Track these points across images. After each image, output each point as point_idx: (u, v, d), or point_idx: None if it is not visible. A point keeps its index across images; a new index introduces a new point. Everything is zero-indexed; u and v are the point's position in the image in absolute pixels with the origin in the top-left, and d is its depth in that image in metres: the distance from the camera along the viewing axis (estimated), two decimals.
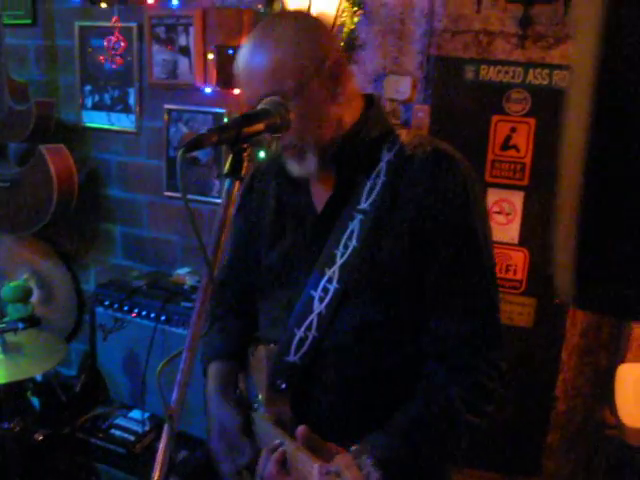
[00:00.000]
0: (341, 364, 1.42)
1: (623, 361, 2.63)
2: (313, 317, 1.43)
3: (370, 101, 1.50)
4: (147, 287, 3.05)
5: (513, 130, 2.69)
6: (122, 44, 3.06)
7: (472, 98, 2.70)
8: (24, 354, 2.68)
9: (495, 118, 2.67)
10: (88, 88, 3.32)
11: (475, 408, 1.35)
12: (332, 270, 1.42)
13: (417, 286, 1.38)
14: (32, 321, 2.27)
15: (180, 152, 1.15)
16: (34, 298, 3.49)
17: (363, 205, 1.41)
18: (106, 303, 3.00)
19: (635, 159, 0.62)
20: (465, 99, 2.70)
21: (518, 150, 2.68)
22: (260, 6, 2.75)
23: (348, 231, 1.42)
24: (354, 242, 1.41)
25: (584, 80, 0.62)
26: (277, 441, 1.32)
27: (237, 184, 1.25)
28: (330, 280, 1.42)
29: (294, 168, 1.45)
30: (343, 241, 1.42)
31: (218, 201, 3.04)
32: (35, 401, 3.10)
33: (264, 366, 1.47)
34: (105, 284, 3.13)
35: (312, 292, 1.43)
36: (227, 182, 1.24)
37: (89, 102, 3.34)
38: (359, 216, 1.41)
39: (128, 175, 3.36)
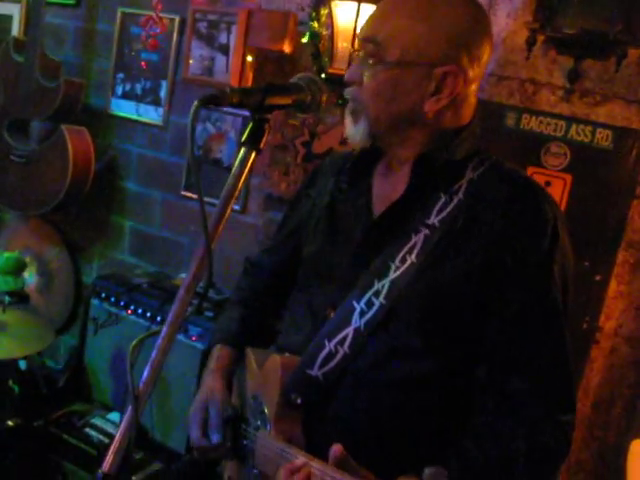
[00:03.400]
0: (368, 390, 1.24)
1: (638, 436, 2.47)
2: (349, 331, 1.25)
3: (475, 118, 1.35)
4: (148, 286, 2.92)
5: (548, 184, 2.57)
6: (159, 29, 2.98)
7: (510, 146, 2.59)
8: (9, 334, 2.57)
9: (530, 170, 2.55)
10: (120, 76, 3.24)
11: (536, 471, 1.17)
12: (382, 283, 1.25)
13: (475, 323, 1.21)
14: (20, 296, 2.14)
15: (196, 103, 1.04)
16: (32, 284, 3.39)
17: (432, 220, 1.25)
18: (102, 295, 2.87)
19: None
20: (503, 146, 2.60)
21: None
22: (306, 11, 2.66)
23: (409, 244, 1.24)
24: (413, 258, 1.23)
25: None
26: (299, 460, 1.13)
27: (253, 155, 1.13)
28: (377, 294, 1.25)
29: (347, 127, 1.32)
30: (401, 254, 1.25)
31: (237, 207, 2.93)
32: (16, 390, 2.96)
33: (278, 377, 1.29)
34: (105, 276, 3.02)
35: (354, 303, 1.26)
36: (243, 151, 1.13)
37: (119, 90, 3.26)
38: (425, 230, 1.24)
39: (147, 169, 3.26)
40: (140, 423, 2.68)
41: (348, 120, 1.32)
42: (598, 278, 2.44)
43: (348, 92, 1.32)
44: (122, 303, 2.83)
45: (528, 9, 2.44)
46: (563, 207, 2.50)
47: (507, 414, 1.18)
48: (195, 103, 1.04)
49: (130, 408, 0.95)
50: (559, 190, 2.53)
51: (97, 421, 2.79)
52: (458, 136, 1.29)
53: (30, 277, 3.38)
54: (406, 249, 1.25)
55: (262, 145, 1.14)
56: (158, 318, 2.72)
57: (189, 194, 3.09)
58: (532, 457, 1.15)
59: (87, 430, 2.74)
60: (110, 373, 2.88)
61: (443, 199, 1.26)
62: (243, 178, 1.12)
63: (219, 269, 2.45)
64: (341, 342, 1.25)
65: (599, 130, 2.43)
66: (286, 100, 1.19)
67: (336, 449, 1.06)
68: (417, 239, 1.24)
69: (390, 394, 1.23)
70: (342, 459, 1.06)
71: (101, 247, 3.45)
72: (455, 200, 1.25)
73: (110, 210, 3.39)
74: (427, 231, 1.24)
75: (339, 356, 1.25)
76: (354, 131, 1.30)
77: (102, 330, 2.88)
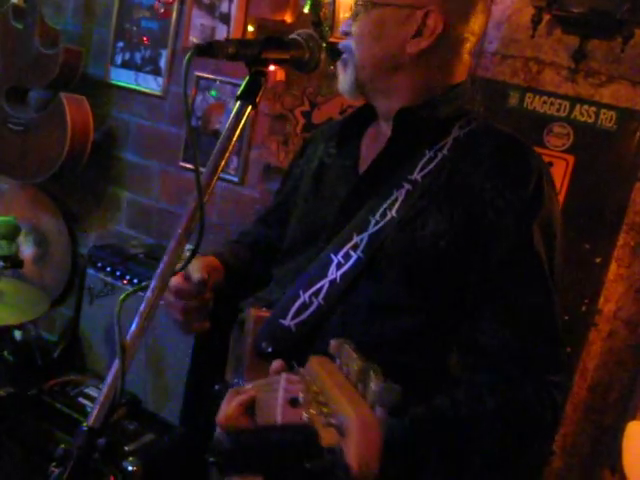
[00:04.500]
0: None
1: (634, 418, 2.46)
2: (325, 283, 1.24)
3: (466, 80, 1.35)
4: (144, 256, 2.90)
5: (550, 165, 2.55)
6: None
7: (513, 125, 2.55)
8: (4, 302, 2.55)
9: None
10: (120, 45, 3.20)
11: (510, 429, 1.13)
12: (360, 237, 1.23)
13: (456, 279, 1.18)
14: (14, 262, 2.12)
15: (189, 53, 1.01)
16: (29, 254, 3.37)
17: (415, 175, 1.23)
18: (99, 265, 2.84)
19: None
20: (505, 125, 2.57)
21: None
22: None
23: (390, 199, 1.23)
24: (394, 212, 1.22)
25: None
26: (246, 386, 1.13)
27: (248, 110, 1.11)
28: (355, 247, 1.23)
29: (339, 78, 1.33)
30: (382, 209, 1.24)
31: (235, 179, 2.90)
32: (10, 360, 2.95)
33: (251, 329, 1.28)
34: (101, 246, 3.00)
35: (332, 255, 1.25)
36: (238, 105, 1.11)
37: (119, 59, 3.21)
38: (407, 186, 1.23)
39: (146, 139, 3.23)
40: (134, 393, 2.66)
41: (339, 70, 1.33)
42: (598, 260, 2.42)
43: (341, 44, 1.32)
44: (118, 273, 2.80)
45: None
46: (565, 188, 2.48)
47: (486, 371, 1.15)
48: (189, 53, 1.01)
49: (116, 361, 0.93)
50: (561, 171, 2.51)
51: (91, 391, 2.77)
52: (445, 94, 1.29)
53: (27, 247, 3.37)
54: (387, 204, 1.24)
55: (258, 99, 1.12)
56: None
57: (187, 165, 3.05)
58: (504, 414, 1.12)
59: (81, 399, 2.72)
60: (105, 344, 2.86)
61: (427, 155, 1.25)
62: (238, 132, 1.10)
63: (218, 241, 2.44)
64: (316, 293, 1.24)
65: (603, 111, 2.40)
66: (284, 55, 1.18)
67: (276, 364, 1.07)
68: (399, 194, 1.23)
69: (368, 351, 1.22)
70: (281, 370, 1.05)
71: (98, 218, 3.42)
72: (439, 156, 1.24)
73: (108, 181, 3.35)
74: (409, 186, 1.23)
75: (313, 307, 1.24)
76: (342, 80, 1.32)
77: (98, 300, 2.86)
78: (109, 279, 2.82)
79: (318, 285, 1.24)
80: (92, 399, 2.72)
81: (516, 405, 1.13)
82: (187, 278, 1.32)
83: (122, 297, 0.97)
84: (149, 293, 0.98)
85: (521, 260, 1.17)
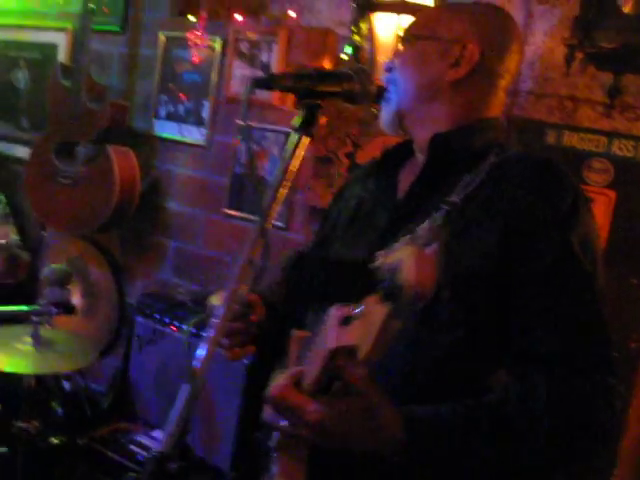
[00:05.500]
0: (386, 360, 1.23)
1: None
2: None
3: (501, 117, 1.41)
4: (191, 303, 2.93)
5: (590, 200, 2.53)
6: (203, 45, 3.03)
7: None
8: (55, 350, 2.58)
9: None
10: (164, 98, 3.30)
11: (568, 432, 1.10)
12: None
13: (500, 292, 1.18)
14: (66, 307, 2.16)
15: (249, 84, 1.05)
16: (76, 304, 3.41)
17: (453, 197, 1.24)
18: (147, 312, 2.88)
19: None
20: None
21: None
22: (345, 25, 2.69)
23: (429, 221, 1.24)
24: None
25: None
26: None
27: (306, 142, 1.14)
28: None
29: (381, 113, 1.39)
30: None
31: (280, 224, 2.93)
32: (59, 412, 2.97)
33: (292, 351, 1.27)
34: (149, 294, 3.04)
35: None
36: (294, 136, 1.13)
37: (162, 112, 3.31)
38: (446, 207, 1.24)
39: (190, 188, 3.29)
40: (184, 440, 2.65)
41: (382, 106, 1.38)
42: None
43: (385, 77, 1.39)
44: (166, 320, 2.83)
45: (565, 25, 2.44)
46: (608, 224, 2.45)
47: (536, 373, 1.13)
48: (249, 84, 1.04)
49: (186, 387, 0.94)
50: (603, 207, 2.48)
51: (142, 438, 2.77)
52: (479, 124, 1.34)
53: (75, 298, 3.41)
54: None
55: (314, 131, 1.15)
56: (203, 334, 2.71)
57: (232, 212, 3.10)
58: (556, 410, 1.10)
59: (131, 447, 2.72)
60: (154, 390, 2.87)
61: (465, 179, 1.26)
62: (296, 162, 1.12)
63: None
64: None
65: None
66: (336, 88, 1.20)
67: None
68: (438, 215, 1.23)
69: (410, 368, 1.21)
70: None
71: (144, 266, 3.47)
72: (476, 180, 1.25)
73: (153, 230, 3.42)
74: (448, 208, 1.23)
75: None
76: (384, 113, 1.38)
77: (146, 347, 2.89)
78: (158, 326, 2.85)
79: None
80: (143, 447, 2.73)
81: (569, 402, 1.11)
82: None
83: (189, 325, 0.99)
84: (216, 319, 0.99)
85: (563, 266, 1.17)
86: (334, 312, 0.92)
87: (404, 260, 0.83)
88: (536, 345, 1.15)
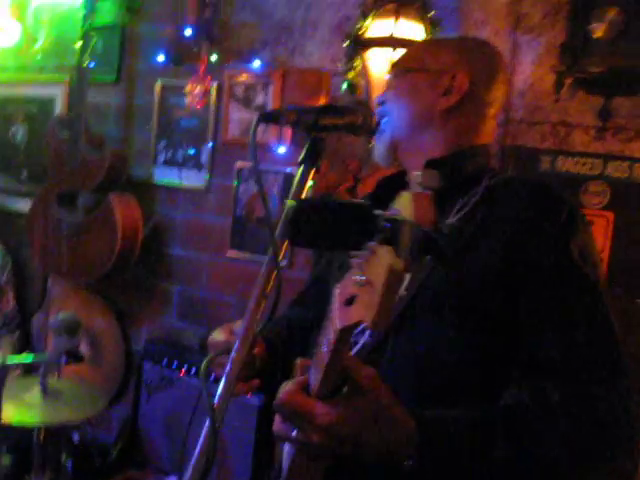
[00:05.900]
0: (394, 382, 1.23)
1: None
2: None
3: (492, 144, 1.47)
4: (199, 346, 2.92)
5: (590, 223, 2.55)
6: (201, 88, 3.08)
7: None
8: (63, 401, 2.56)
9: None
10: (162, 144, 3.33)
11: (583, 434, 1.10)
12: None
13: (504, 307, 1.19)
14: (76, 356, 2.15)
15: (256, 118, 1.07)
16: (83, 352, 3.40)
17: (450, 220, 1.27)
18: (154, 358, 2.87)
19: None
20: None
21: None
22: (340, 65, 2.73)
23: None
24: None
25: None
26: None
27: (312, 173, 1.16)
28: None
29: (375, 146, 1.42)
30: None
31: (282, 263, 2.93)
32: (69, 464, 2.93)
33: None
34: (155, 339, 3.03)
35: None
36: (301, 169, 1.16)
37: (161, 158, 3.34)
38: (444, 230, 1.26)
39: (192, 233, 3.30)
40: None
41: (376, 139, 1.42)
42: None
43: (378, 110, 1.43)
44: (174, 365, 2.82)
45: (551, 53, 2.50)
46: (608, 245, 2.47)
47: (548, 379, 1.13)
48: (256, 118, 1.07)
49: (208, 422, 0.94)
50: (602, 228, 2.50)
51: None
52: (471, 150, 1.38)
53: (81, 347, 3.40)
54: None
55: (319, 163, 1.17)
56: (212, 377, 2.69)
57: (235, 254, 3.11)
58: (569, 412, 1.10)
59: None
60: (165, 437, 2.85)
61: (460, 202, 1.29)
62: (302, 195, 1.14)
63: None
64: (360, 334, 1.25)
65: (637, 165, 2.43)
66: (339, 121, 1.23)
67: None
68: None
69: (423, 383, 1.21)
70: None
71: (149, 313, 3.46)
72: (472, 202, 1.28)
73: (156, 275, 3.41)
74: (446, 230, 1.26)
75: (358, 346, 1.25)
76: (378, 145, 1.42)
77: (155, 394, 2.87)
78: (166, 372, 2.84)
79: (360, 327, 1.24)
80: None
81: (583, 406, 1.11)
82: (233, 333, 1.35)
83: (208, 359, 0.99)
84: (234, 353, 1.00)
85: (564, 273, 1.19)
86: (337, 292, 0.91)
87: (402, 203, 0.86)
88: (544, 353, 1.15)
